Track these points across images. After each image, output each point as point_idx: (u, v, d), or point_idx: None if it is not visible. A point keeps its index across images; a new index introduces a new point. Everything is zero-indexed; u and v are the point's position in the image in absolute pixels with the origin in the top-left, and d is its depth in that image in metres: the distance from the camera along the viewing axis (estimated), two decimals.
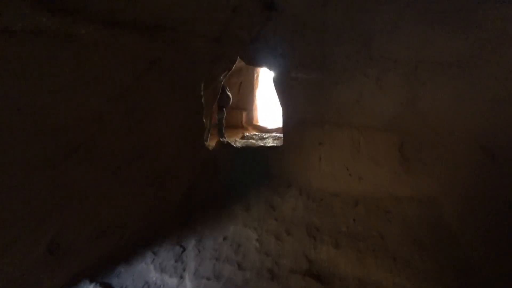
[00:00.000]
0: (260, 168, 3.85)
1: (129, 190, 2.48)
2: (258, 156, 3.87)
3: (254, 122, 9.10)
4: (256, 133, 4.97)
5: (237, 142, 4.13)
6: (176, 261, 2.61)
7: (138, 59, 2.21)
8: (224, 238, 2.89)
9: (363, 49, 3.33)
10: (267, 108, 11.07)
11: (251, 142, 4.20)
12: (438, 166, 3.47)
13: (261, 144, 4.13)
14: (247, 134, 4.79)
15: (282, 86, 3.77)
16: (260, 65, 3.76)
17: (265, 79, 9.91)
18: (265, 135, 4.72)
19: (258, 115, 9.44)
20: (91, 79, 2.02)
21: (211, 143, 4.97)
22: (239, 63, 4.46)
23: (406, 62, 3.28)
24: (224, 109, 5.07)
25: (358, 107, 3.54)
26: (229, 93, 5.12)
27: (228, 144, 3.85)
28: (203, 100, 3.07)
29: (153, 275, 2.44)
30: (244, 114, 8.83)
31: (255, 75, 8.97)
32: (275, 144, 4.13)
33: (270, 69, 3.89)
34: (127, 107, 2.29)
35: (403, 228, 3.18)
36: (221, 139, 3.94)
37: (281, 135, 7.75)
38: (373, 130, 3.59)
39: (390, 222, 3.29)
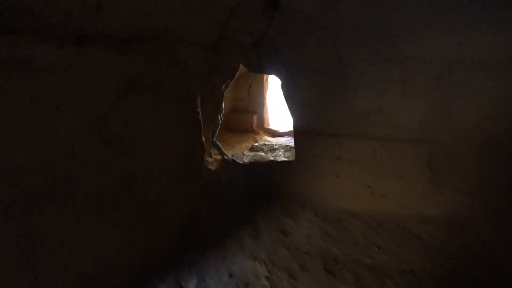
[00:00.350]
0: (270, 186, 3.41)
1: (116, 229, 2.10)
2: (268, 172, 3.42)
3: (265, 126, 8.63)
4: (266, 143, 4.51)
5: (244, 156, 3.69)
6: None
7: (115, 79, 1.80)
8: (230, 276, 2.47)
9: (385, 49, 2.79)
10: (278, 111, 10.57)
11: (260, 155, 3.75)
12: (473, 182, 2.91)
13: (271, 157, 3.67)
14: (256, 144, 4.34)
15: (292, 94, 3.28)
16: (266, 72, 3.29)
17: (275, 81, 9.40)
18: (275, 145, 4.24)
19: (269, 118, 8.95)
20: (56, 108, 1.63)
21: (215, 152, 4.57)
22: None
23: (436, 63, 2.72)
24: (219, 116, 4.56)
25: (380, 116, 3.00)
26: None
27: (233, 161, 3.42)
28: (200, 117, 2.64)
29: None
30: (255, 117, 8.37)
31: (265, 77, 8.48)
32: (286, 158, 3.65)
33: (277, 75, 3.40)
34: (106, 135, 1.89)
35: (435, 258, 2.66)
36: (225, 157, 3.50)
37: (293, 142, 7.25)
38: (398, 142, 3.05)
39: (420, 249, 2.77)
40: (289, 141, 7.43)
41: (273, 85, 9.52)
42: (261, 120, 8.62)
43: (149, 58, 1.93)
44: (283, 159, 3.54)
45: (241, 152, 3.90)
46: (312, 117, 3.14)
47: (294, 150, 3.79)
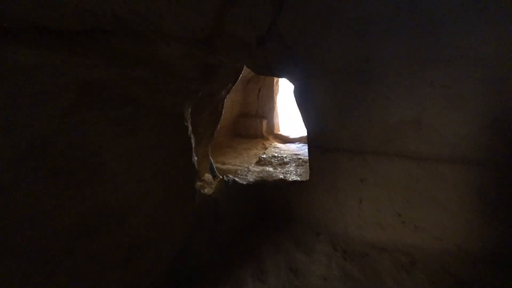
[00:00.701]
0: (279, 210, 2.81)
1: (77, 283, 1.56)
2: (277, 194, 2.82)
3: (275, 131, 8.03)
4: (275, 154, 3.92)
5: (250, 172, 3.11)
6: None
7: (61, 88, 1.26)
8: None
9: (427, 46, 2.14)
10: (289, 115, 9.96)
11: (267, 171, 3.16)
12: None
13: (281, 174, 3.07)
14: (264, 156, 3.75)
15: (307, 102, 2.66)
16: (275, 74, 2.70)
17: (286, 84, 8.79)
18: (285, 157, 3.64)
19: (279, 123, 8.35)
20: None
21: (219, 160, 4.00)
22: None
23: (492, 63, 2.06)
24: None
25: (417, 129, 2.35)
26: None
27: (234, 182, 2.83)
28: (190, 132, 2.06)
29: None
30: (264, 122, 7.78)
31: (275, 80, 7.89)
32: (298, 175, 3.04)
33: (289, 79, 2.80)
34: (53, 165, 1.34)
35: None
36: (224, 178, 2.91)
37: (305, 149, 6.60)
38: (438, 162, 2.39)
39: None
40: (301, 148, 6.81)
41: (284, 88, 8.91)
42: (271, 125, 8.03)
43: (112, 58, 1.37)
44: (295, 177, 2.93)
45: (246, 167, 3.33)
46: (331, 130, 2.52)
47: (307, 165, 3.18)
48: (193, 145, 2.10)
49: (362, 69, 2.28)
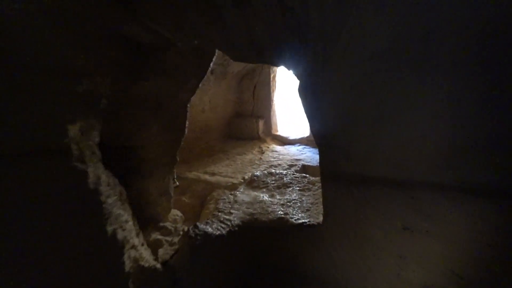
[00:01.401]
0: (279, 266, 1.87)
1: None
2: (274, 243, 1.87)
3: (273, 132, 7.08)
4: (273, 170, 2.99)
5: (235, 205, 2.12)
6: None
7: None
8: None
9: None
10: (288, 113, 8.99)
11: (261, 202, 2.19)
12: None
13: (280, 207, 2.10)
14: (258, 174, 2.80)
15: (321, 105, 1.69)
16: (265, 60, 1.71)
17: (283, 78, 7.79)
18: (286, 176, 2.68)
19: (277, 122, 7.39)
20: None
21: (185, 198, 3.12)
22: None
23: None
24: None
25: (496, 151, 1.40)
26: None
27: (206, 238, 1.75)
28: (93, 182, 1.04)
29: None
30: (261, 122, 6.82)
31: (272, 75, 6.89)
32: (305, 208, 2.08)
33: (289, 67, 1.81)
34: None
35: None
36: (190, 231, 1.82)
37: (306, 152, 5.66)
38: None
39: None
40: (301, 151, 5.87)
41: (282, 84, 7.91)
42: (268, 126, 7.07)
43: None
44: (300, 214, 1.96)
45: (231, 194, 2.36)
46: (360, 150, 1.55)
47: (315, 188, 2.25)
48: (114, 199, 1.14)
49: (416, 53, 1.31)
